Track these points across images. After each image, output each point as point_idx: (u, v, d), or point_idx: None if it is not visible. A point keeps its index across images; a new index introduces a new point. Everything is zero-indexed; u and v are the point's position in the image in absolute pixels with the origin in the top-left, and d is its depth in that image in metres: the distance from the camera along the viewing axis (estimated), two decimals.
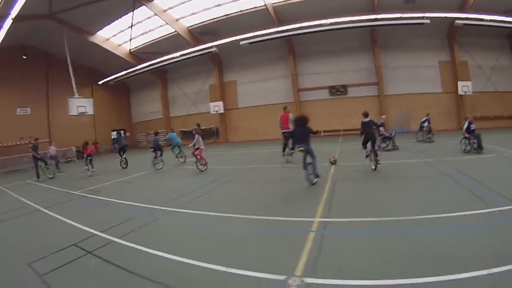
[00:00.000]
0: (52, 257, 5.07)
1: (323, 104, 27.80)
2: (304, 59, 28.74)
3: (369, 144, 10.34)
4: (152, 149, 16.02)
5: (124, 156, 17.60)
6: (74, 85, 23.32)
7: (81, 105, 21.76)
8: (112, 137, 36.97)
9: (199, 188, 9.75)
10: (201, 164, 13.42)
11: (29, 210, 9.08)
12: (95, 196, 10.15)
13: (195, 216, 6.95)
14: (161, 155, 16.04)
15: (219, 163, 15.78)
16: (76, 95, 22.73)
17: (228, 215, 6.64)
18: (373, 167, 10.10)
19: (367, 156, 10.54)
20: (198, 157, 13.33)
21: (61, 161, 27.16)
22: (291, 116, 13.50)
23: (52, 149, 20.52)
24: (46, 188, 13.38)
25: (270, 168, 13.01)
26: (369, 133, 10.36)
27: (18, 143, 28.14)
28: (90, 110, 22.50)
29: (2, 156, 26.21)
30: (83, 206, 9.12)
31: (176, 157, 17.58)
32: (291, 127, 12.36)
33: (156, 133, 17.70)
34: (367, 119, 10.41)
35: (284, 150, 13.49)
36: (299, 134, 8.78)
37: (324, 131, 24.78)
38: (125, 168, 17.14)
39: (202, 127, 26.56)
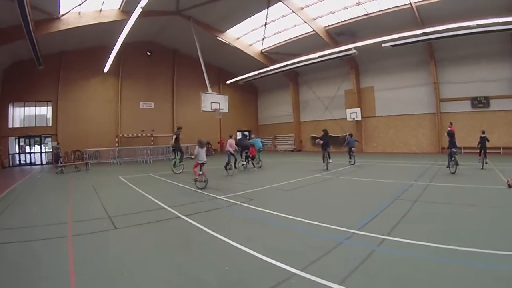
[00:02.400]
0: None
1: (464, 117, 24.41)
2: (445, 66, 25.46)
3: (482, 152, 14.66)
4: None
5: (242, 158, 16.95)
6: (207, 80, 22.94)
7: (215, 101, 21.07)
8: (238, 138, 37.67)
9: (387, 208, 7.43)
10: (201, 181, 11.22)
11: (163, 216, 7.40)
12: (250, 206, 8.22)
13: (421, 248, 4.78)
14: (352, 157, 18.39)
15: (381, 176, 13.39)
16: (210, 91, 22.24)
17: (461, 248, 4.68)
18: (481, 167, 14.36)
19: (479, 161, 14.75)
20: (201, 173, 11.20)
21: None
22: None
23: (231, 143, 16.35)
24: (178, 187, 11.98)
25: (449, 187, 10.18)
26: (483, 144, 14.69)
27: (140, 135, 29.70)
28: (225, 107, 21.76)
29: (122, 147, 27.64)
30: (240, 218, 7.16)
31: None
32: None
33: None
34: (483, 135, 14.86)
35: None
36: (452, 142, 13.34)
37: (465, 148, 22.75)
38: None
39: (334, 135, 25.00)
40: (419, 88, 26.83)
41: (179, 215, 7.36)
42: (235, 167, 16.25)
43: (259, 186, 11.37)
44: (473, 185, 10.38)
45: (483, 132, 15.11)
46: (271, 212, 7.43)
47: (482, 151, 14.69)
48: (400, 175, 13.74)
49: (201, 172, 11.17)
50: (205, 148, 11.56)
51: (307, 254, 4.67)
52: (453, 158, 13.05)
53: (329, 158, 16.32)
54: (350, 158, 18.60)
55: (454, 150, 13.11)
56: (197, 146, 11.37)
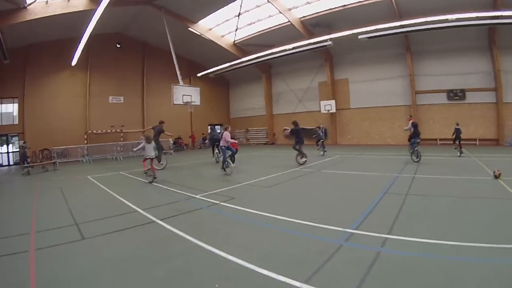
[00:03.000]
0: None
1: (440, 109, 24.89)
2: (421, 59, 25.57)
3: (457, 142, 15.97)
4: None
5: (216, 152, 16.61)
6: (178, 72, 21.94)
7: (187, 93, 20.31)
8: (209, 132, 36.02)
9: (379, 203, 7.14)
10: (149, 175, 11.71)
11: (136, 221, 6.57)
12: (232, 205, 7.56)
13: (428, 246, 4.50)
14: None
15: (364, 169, 13.16)
16: (181, 83, 21.48)
17: (468, 244, 4.52)
18: (459, 155, 15.63)
19: (455, 148, 16.14)
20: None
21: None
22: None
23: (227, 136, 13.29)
24: (151, 186, 11.02)
25: (436, 178, 10.05)
26: (458, 134, 16.00)
27: (109, 131, 28.46)
28: (197, 100, 20.98)
29: (92, 144, 26.37)
30: (223, 220, 6.45)
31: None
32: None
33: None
34: (458, 127, 16.14)
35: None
36: (416, 133, 14.25)
37: (441, 139, 23.68)
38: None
39: (308, 127, 24.56)
40: (394, 80, 26.87)
41: (154, 219, 6.62)
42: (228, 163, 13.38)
43: (237, 183, 10.79)
44: (460, 176, 10.29)
45: (457, 124, 16.55)
46: (257, 212, 6.83)
47: (457, 141, 16.10)
48: (382, 167, 13.55)
49: (149, 167, 11.63)
50: (152, 144, 11.92)
51: (307, 261, 4.15)
52: (416, 148, 14.06)
53: (302, 157, 15.06)
54: (318, 148, 19.81)
55: (418, 140, 14.33)
56: (144, 142, 11.81)
